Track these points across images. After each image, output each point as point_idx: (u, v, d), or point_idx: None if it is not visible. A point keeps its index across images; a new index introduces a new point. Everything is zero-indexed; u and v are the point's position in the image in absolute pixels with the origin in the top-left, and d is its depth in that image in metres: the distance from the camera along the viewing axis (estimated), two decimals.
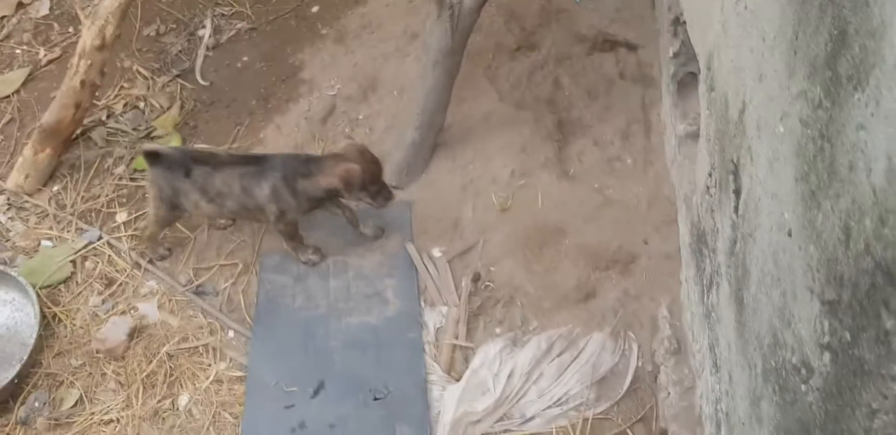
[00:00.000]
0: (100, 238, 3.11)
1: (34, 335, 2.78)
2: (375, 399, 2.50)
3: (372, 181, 2.65)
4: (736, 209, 1.67)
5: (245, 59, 3.61)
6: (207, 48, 3.62)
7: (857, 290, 0.96)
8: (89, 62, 2.97)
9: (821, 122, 1.14)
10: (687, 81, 2.73)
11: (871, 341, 0.91)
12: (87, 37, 2.93)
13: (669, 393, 2.31)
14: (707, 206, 2.01)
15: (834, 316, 1.04)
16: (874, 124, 0.96)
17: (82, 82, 3.00)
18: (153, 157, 2.75)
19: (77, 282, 3.04)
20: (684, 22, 2.47)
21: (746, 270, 1.55)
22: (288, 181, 2.65)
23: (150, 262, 3.06)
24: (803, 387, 1.15)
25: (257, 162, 2.71)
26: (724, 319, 1.76)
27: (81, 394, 2.78)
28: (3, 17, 3.86)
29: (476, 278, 2.82)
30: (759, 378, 1.43)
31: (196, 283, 2.99)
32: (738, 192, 1.68)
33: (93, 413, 2.71)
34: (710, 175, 1.98)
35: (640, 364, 2.52)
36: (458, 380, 2.57)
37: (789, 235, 1.27)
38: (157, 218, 2.89)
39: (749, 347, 1.51)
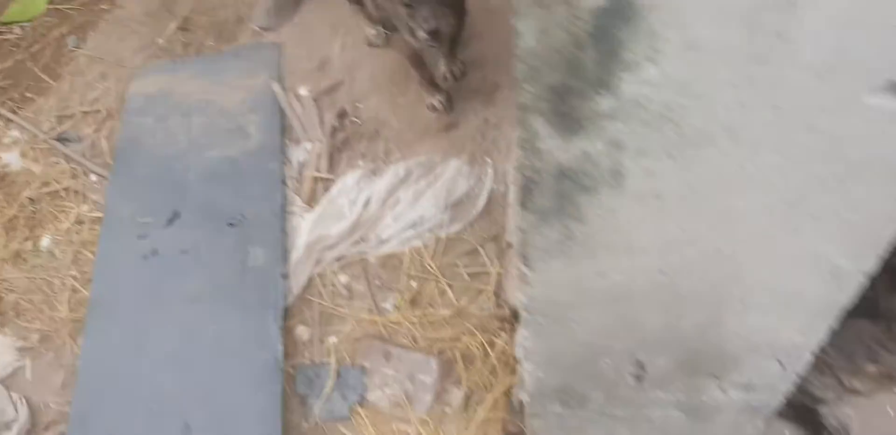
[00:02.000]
0: None
1: None
2: (229, 225, 2.46)
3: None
4: None
5: None
6: None
7: None
8: None
9: None
10: None
11: None
12: None
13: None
14: None
15: None
16: None
17: None
18: None
19: None
20: None
21: None
22: None
23: (13, 111, 2.96)
24: None
25: None
26: None
27: None
28: None
29: (342, 115, 2.76)
30: None
31: (59, 130, 2.91)
32: None
33: None
34: None
35: (494, 186, 2.50)
36: None
37: None
38: None
39: None
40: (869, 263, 1.12)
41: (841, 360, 1.77)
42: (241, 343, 2.17)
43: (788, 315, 1.25)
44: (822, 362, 1.78)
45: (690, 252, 1.15)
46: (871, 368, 1.77)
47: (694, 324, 1.31)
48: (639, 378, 1.48)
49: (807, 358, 1.36)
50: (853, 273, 1.14)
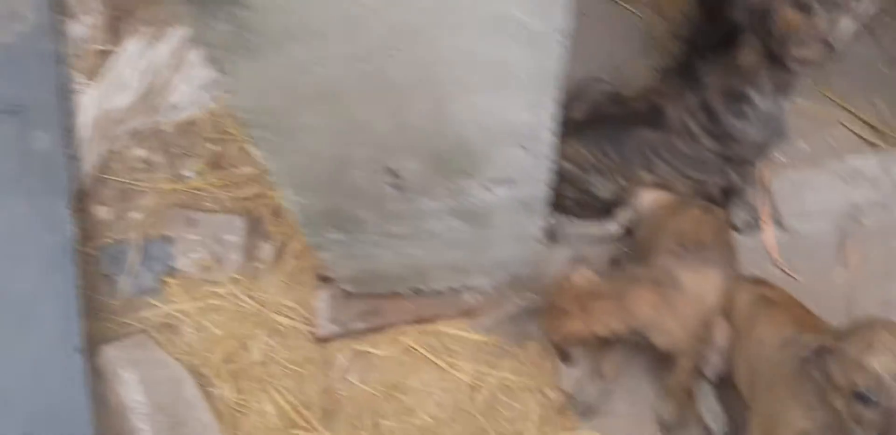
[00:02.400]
0: None
1: None
2: (9, 113, 2.27)
3: None
4: None
5: None
6: None
7: None
8: None
9: None
10: None
11: None
12: None
13: None
14: None
15: None
16: None
17: None
18: None
19: None
20: None
21: None
22: None
23: None
24: None
25: None
26: None
27: None
28: None
29: None
30: None
31: None
32: None
33: None
34: None
35: None
36: None
37: None
38: None
39: None
40: (557, 20, 1.06)
41: (621, 165, 1.76)
42: (30, 230, 2.04)
43: (507, 90, 1.20)
44: (603, 166, 1.77)
45: (378, 29, 1.07)
46: (646, 177, 1.76)
47: (422, 116, 1.25)
48: (398, 187, 1.44)
49: (547, 139, 1.33)
50: (547, 33, 1.08)
